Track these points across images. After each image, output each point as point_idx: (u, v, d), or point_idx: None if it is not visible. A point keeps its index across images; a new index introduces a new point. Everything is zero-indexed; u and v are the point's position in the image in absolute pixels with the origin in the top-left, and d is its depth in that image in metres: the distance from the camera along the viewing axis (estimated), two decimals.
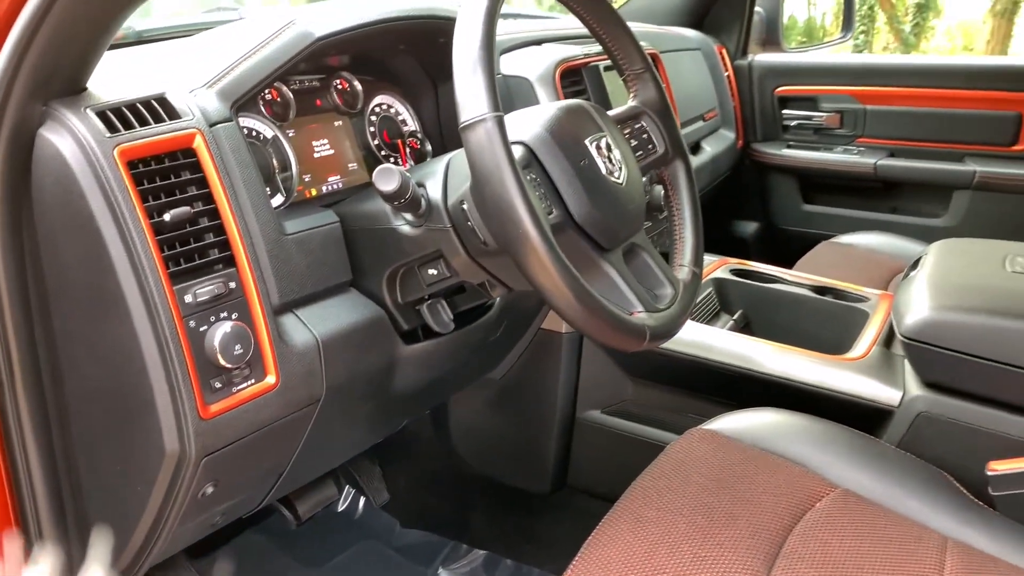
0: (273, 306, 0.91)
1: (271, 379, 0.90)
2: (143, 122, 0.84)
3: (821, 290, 1.62)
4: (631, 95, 1.13)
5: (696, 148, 2.19)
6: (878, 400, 1.30)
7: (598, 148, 0.96)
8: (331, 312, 1.00)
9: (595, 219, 0.93)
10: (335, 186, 1.17)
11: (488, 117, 0.80)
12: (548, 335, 1.46)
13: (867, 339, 1.42)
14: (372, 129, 1.24)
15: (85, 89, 0.85)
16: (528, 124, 0.93)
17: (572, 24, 1.75)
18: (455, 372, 1.31)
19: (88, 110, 0.81)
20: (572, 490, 1.56)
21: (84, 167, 0.79)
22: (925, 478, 1.18)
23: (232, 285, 0.88)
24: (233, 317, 0.87)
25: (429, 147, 1.32)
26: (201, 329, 0.84)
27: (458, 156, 1.00)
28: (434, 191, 0.97)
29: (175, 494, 0.87)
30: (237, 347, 0.85)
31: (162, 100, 0.87)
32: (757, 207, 2.63)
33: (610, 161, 0.97)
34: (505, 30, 1.56)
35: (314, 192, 1.14)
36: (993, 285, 1.30)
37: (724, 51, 2.52)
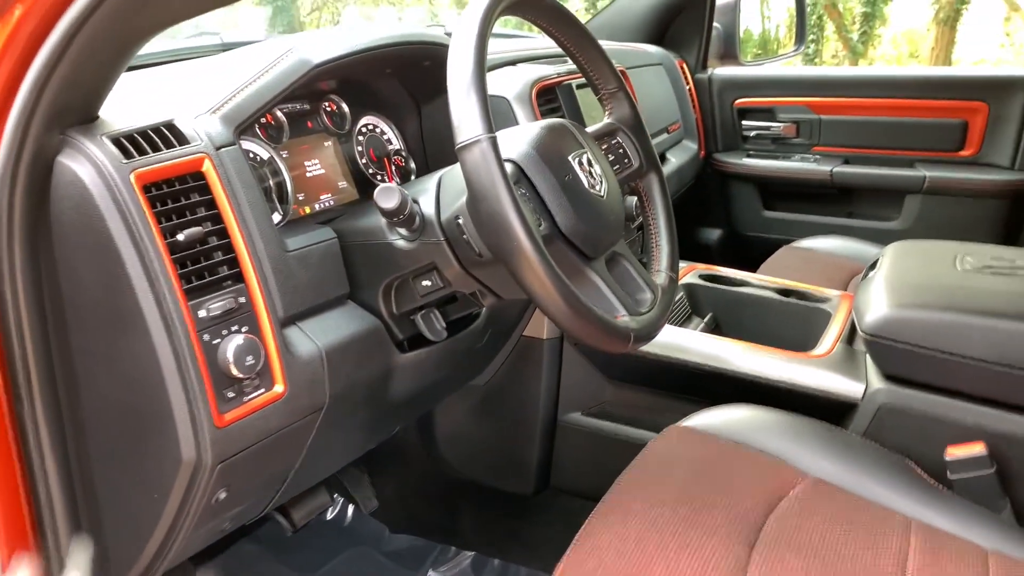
0: (279, 319, 0.96)
1: (279, 388, 0.95)
2: (155, 148, 0.89)
3: (785, 292, 1.71)
4: (606, 113, 1.21)
5: (662, 159, 2.27)
6: (843, 394, 1.38)
7: (580, 164, 1.03)
8: (331, 324, 1.05)
9: (580, 230, 0.99)
10: (327, 204, 1.22)
11: (483, 138, 0.86)
12: (529, 342, 1.53)
13: (830, 337, 1.50)
14: (360, 148, 1.30)
15: (97, 117, 0.90)
16: (516, 143, 0.99)
17: (542, 44, 1.83)
18: (445, 378, 1.36)
19: (104, 137, 0.86)
20: (555, 491, 1.62)
21: (103, 191, 0.83)
22: (888, 465, 1.26)
23: (241, 300, 0.93)
24: (243, 330, 0.92)
25: (413, 164, 1.38)
26: (214, 342, 0.89)
27: (448, 174, 1.06)
28: (427, 207, 1.04)
29: (190, 500, 0.92)
30: (249, 358, 0.90)
31: (171, 126, 0.92)
32: (720, 214, 2.73)
33: (591, 176, 1.03)
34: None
35: (308, 210, 1.19)
36: (946, 284, 1.40)
37: (685, 65, 2.61)
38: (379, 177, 1.32)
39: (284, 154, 1.17)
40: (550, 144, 1.01)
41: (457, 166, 1.06)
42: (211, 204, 0.92)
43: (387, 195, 0.97)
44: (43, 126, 0.83)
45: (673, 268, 1.16)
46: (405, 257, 1.05)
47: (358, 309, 1.10)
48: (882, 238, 2.21)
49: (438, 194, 1.04)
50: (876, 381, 1.37)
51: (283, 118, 1.17)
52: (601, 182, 1.05)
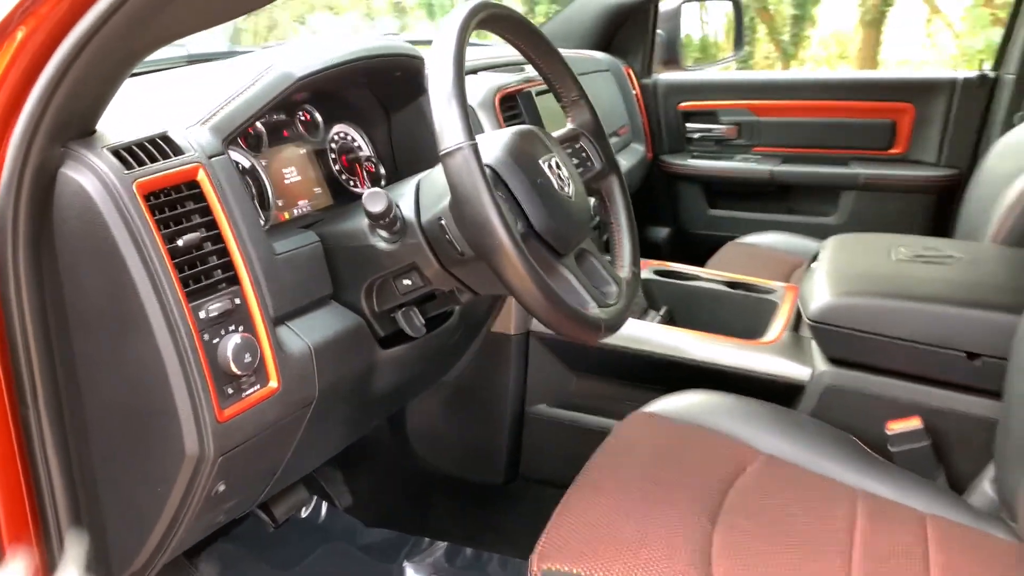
0: (271, 319, 1.02)
1: (274, 384, 1.00)
2: (152, 158, 0.94)
3: (734, 285, 1.81)
4: (568, 119, 1.28)
5: None
6: (791, 377, 1.49)
7: (550, 167, 1.10)
8: (318, 323, 1.11)
9: (552, 228, 1.07)
10: (304, 209, 1.28)
11: (465, 145, 0.93)
12: (497, 337, 1.60)
13: (778, 325, 1.61)
14: (333, 156, 1.36)
15: (95, 131, 0.94)
16: (491, 148, 1.06)
17: (496, 52, 1.90)
18: (421, 373, 1.43)
19: (105, 150, 0.91)
20: (524, 480, 1.69)
21: (107, 201, 0.88)
22: (834, 441, 1.37)
23: (237, 301, 0.98)
24: (240, 330, 0.97)
25: (383, 170, 1.44)
26: (214, 342, 0.94)
27: (427, 179, 1.13)
28: (407, 210, 1.10)
29: (192, 493, 0.97)
30: (247, 356, 0.96)
31: (165, 138, 0.97)
32: (668, 214, 2.84)
33: (560, 178, 1.11)
34: None
35: (287, 215, 1.24)
36: (882, 273, 1.51)
37: (631, 71, 2.71)
38: (352, 183, 1.38)
39: (263, 162, 1.22)
40: (522, 149, 1.08)
41: (434, 171, 1.13)
42: (205, 211, 0.97)
43: (375, 199, 1.03)
44: (46, 140, 0.87)
45: (635, 263, 1.25)
46: (387, 258, 1.12)
47: (341, 308, 1.16)
48: (820, 232, 2.35)
49: (417, 198, 1.11)
50: (821, 364, 1.48)
51: (262, 128, 1.22)
52: (569, 184, 1.13)
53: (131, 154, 0.93)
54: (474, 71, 1.67)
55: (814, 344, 1.52)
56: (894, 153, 2.57)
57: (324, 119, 1.35)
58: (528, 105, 1.63)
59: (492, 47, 2.02)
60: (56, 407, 0.95)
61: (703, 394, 1.43)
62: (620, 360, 1.59)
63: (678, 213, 2.83)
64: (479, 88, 1.54)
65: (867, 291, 1.44)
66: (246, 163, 1.18)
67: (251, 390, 0.98)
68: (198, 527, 1.06)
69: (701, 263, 2.17)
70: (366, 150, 1.42)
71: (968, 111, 2.44)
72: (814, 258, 1.67)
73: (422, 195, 1.11)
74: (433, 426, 1.69)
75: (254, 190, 1.18)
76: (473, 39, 1.72)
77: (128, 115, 1.02)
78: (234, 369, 0.94)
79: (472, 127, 0.94)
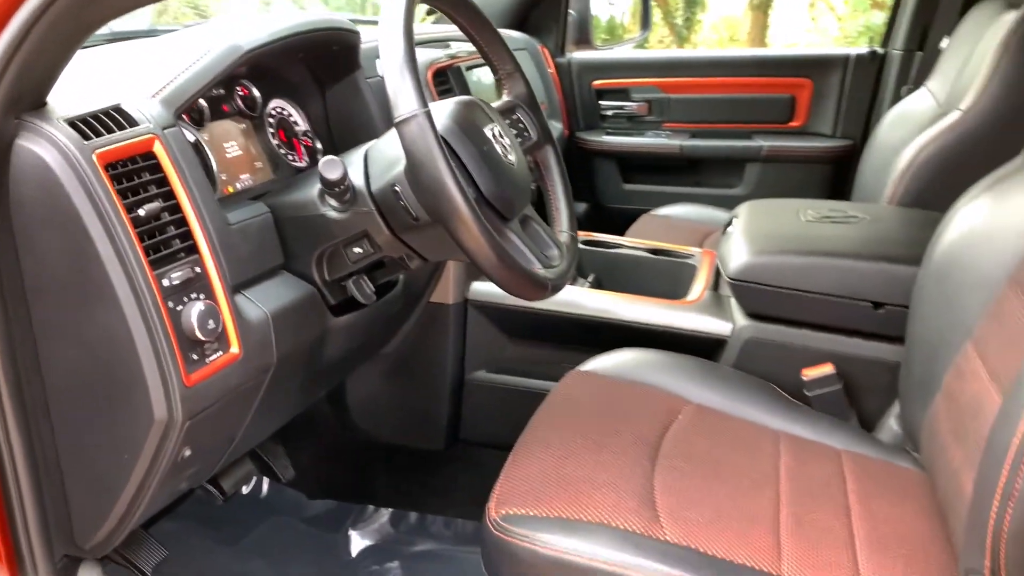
0: (230, 287, 1.04)
1: (235, 350, 1.03)
2: (108, 129, 0.95)
3: (655, 251, 1.91)
4: (504, 91, 1.34)
5: None
6: (713, 332, 1.59)
7: (494, 135, 1.16)
8: (272, 292, 1.13)
9: (499, 194, 1.12)
10: (247, 183, 1.29)
11: (419, 113, 0.97)
12: (436, 307, 1.65)
13: (699, 286, 1.71)
14: (271, 130, 1.37)
15: (47, 103, 0.94)
16: (438, 118, 1.11)
17: (431, 29, 1.94)
18: (368, 342, 1.46)
19: (61, 120, 0.91)
20: (465, 444, 1.75)
21: (67, 171, 0.89)
22: (756, 389, 1.47)
23: (197, 270, 1.00)
24: (202, 297, 0.99)
25: (319, 145, 1.46)
26: (178, 309, 0.96)
27: (374, 148, 1.16)
28: (356, 179, 1.14)
29: (160, 458, 0.99)
30: (210, 322, 0.98)
31: (119, 110, 0.98)
32: (585, 189, 2.93)
33: (504, 146, 1.17)
34: (371, 37, 1.72)
35: (231, 189, 1.26)
36: (793, 232, 1.63)
37: (546, 50, 2.78)
38: (290, 157, 1.40)
39: (206, 137, 1.23)
40: (467, 118, 1.13)
41: (382, 140, 1.17)
42: (162, 182, 0.99)
43: (332, 166, 1.06)
44: (0, 112, 0.87)
45: (572, 227, 1.32)
46: (337, 226, 1.15)
47: (293, 278, 1.19)
48: (727, 203, 2.48)
49: (366, 167, 1.14)
50: (741, 319, 1.58)
51: (203, 103, 1.23)
52: (511, 152, 1.18)
53: (87, 125, 0.93)
54: None
55: (733, 301, 1.62)
56: (794, 126, 2.73)
57: (261, 94, 1.36)
58: (459, 80, 1.67)
59: (421, 24, 2.05)
60: (14, 379, 0.95)
61: (634, 352, 1.51)
62: (554, 324, 1.66)
63: (595, 188, 2.92)
64: None
65: (781, 249, 1.56)
66: (191, 137, 1.19)
67: (214, 356, 1.00)
68: (161, 496, 1.07)
69: (618, 235, 2.26)
70: (302, 125, 1.44)
71: (860, 85, 2.62)
72: (729, 223, 1.78)
73: (371, 164, 1.14)
74: (373, 397, 1.72)
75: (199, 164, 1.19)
76: None
77: (76, 88, 1.02)
78: (199, 335, 0.96)
79: (424, 95, 0.99)
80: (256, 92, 1.36)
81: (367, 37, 1.45)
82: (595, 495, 1.12)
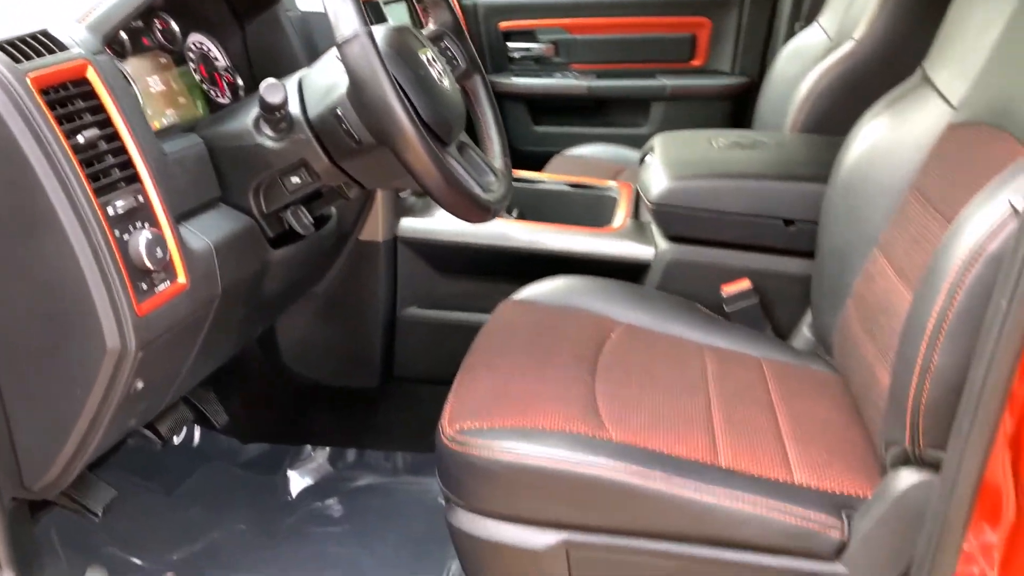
0: (174, 217, 1.03)
1: (182, 280, 1.02)
2: (38, 53, 0.92)
3: (575, 185, 1.96)
4: (431, 19, 1.35)
5: None
6: (637, 257, 1.66)
7: (428, 60, 1.17)
8: (212, 224, 1.12)
9: (437, 118, 1.14)
10: (172, 119, 1.26)
11: (362, 33, 0.98)
12: (366, 245, 1.65)
13: (621, 215, 1.78)
14: (192, 65, 1.34)
15: None
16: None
17: None
18: (304, 277, 1.46)
19: None
20: (399, 381, 1.77)
21: (1, 96, 0.86)
22: (680, 307, 1.55)
23: (140, 199, 0.98)
24: (147, 226, 0.98)
25: (240, 81, 1.44)
26: (125, 237, 0.95)
27: (308, 76, 1.16)
28: (292, 107, 1.13)
29: (113, 390, 0.97)
30: (158, 251, 0.97)
31: (47, 34, 0.95)
32: None
33: (438, 71, 1.18)
34: None
35: (157, 125, 1.23)
36: (708, 158, 1.71)
37: None
38: (213, 93, 1.37)
39: (128, 70, 1.19)
40: (402, 43, 1.14)
41: (315, 68, 1.16)
42: (97, 109, 0.96)
43: (274, 90, 1.06)
44: None
45: (506, 154, 1.35)
46: (274, 156, 1.15)
47: (231, 210, 1.18)
48: (635, 142, 2.55)
49: (301, 95, 1.14)
50: (662, 243, 1.66)
51: (124, 35, 1.19)
52: (444, 76, 1.20)
53: (16, 49, 0.90)
54: None
55: (654, 227, 1.69)
56: (695, 65, 2.82)
57: (180, 29, 1.33)
58: (378, 16, 1.66)
59: None
60: None
61: (563, 279, 1.57)
62: (484, 257, 1.69)
63: (505, 131, 2.93)
64: None
65: (698, 174, 1.63)
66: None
67: (162, 285, 0.99)
68: (112, 433, 1.06)
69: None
70: (223, 61, 1.41)
71: (756, 23, 2.72)
72: (645, 154, 1.84)
73: (306, 91, 1.14)
74: (305, 339, 1.72)
75: None
76: None
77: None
78: (147, 264, 0.95)
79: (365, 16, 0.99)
80: (175, 26, 1.32)
81: None
82: (543, 407, 1.17)
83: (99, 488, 1.17)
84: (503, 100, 2.89)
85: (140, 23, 1.25)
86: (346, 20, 0.97)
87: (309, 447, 1.79)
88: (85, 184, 0.90)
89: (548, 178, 2.00)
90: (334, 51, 1.08)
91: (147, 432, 1.41)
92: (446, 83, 1.19)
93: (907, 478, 0.99)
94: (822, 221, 1.50)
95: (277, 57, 1.43)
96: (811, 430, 1.23)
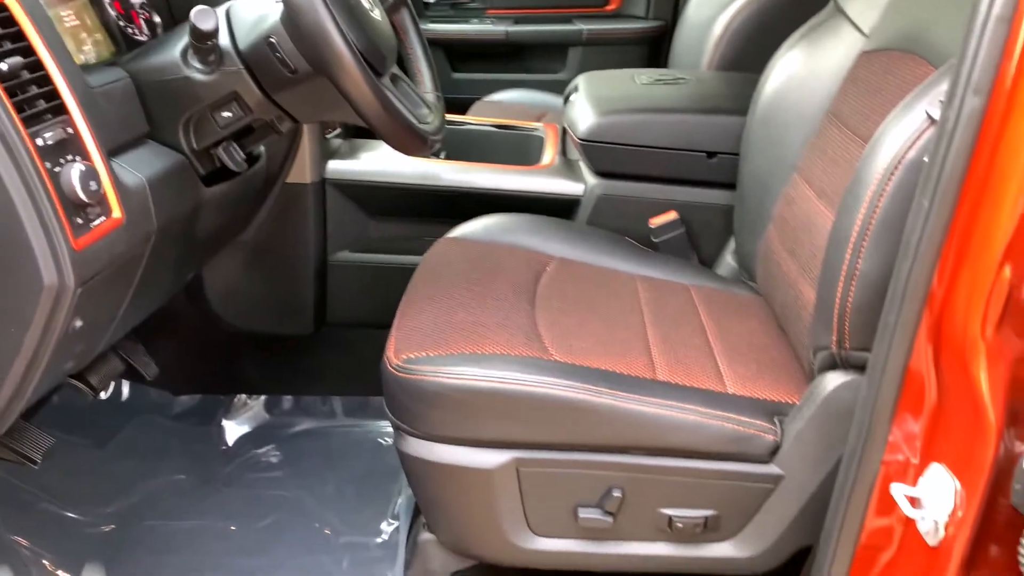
0: (106, 150, 1.00)
1: (117, 214, 0.99)
2: None
3: (501, 127, 1.97)
4: None
5: None
6: (568, 193, 1.69)
7: None
8: (143, 159, 1.09)
9: (370, 47, 1.13)
10: (89, 56, 1.21)
11: None
12: (293, 189, 1.63)
13: (549, 153, 1.80)
14: (107, 1, 1.29)
15: None
16: None
17: None
18: (235, 218, 1.43)
19: None
20: (333, 326, 1.77)
21: None
22: (610, 241, 1.59)
23: (69, 131, 0.95)
24: (79, 159, 0.95)
25: (158, 19, 1.39)
26: (56, 170, 0.92)
27: (236, 6, 1.13)
28: (222, 39, 1.10)
29: (51, 330, 0.95)
30: (92, 183, 0.94)
31: None
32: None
33: (369, 1, 1.17)
34: None
35: (77, 60, 1.18)
36: (632, 94, 1.75)
37: None
38: (130, 30, 1.32)
39: (41, 2, 1.14)
40: None
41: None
42: (18, 37, 0.92)
43: (205, 16, 1.03)
44: None
45: (437, 88, 1.34)
46: (204, 89, 1.12)
47: (160, 147, 1.15)
48: (554, 88, 2.57)
49: (230, 25, 1.11)
50: (591, 179, 1.69)
51: None
52: (375, 7, 1.19)
53: None
54: None
55: (582, 164, 1.72)
56: (610, 10, 2.85)
57: None
58: None
59: None
60: None
61: (496, 217, 1.58)
62: (415, 198, 1.69)
63: None
64: None
65: (624, 109, 1.66)
66: None
67: (98, 220, 0.97)
68: (49, 376, 1.03)
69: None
70: None
71: None
72: (568, 95, 1.87)
73: (235, 21, 1.11)
74: (234, 287, 1.69)
75: None
76: None
77: None
78: (81, 196, 0.93)
79: None
80: None
81: None
82: (487, 334, 1.19)
83: (36, 435, 1.14)
84: None
85: None
86: None
87: (244, 396, 1.77)
88: (12, 113, 0.87)
89: (474, 120, 2.00)
90: None
91: (78, 384, 1.37)
92: (376, 13, 1.18)
93: (834, 379, 1.06)
94: (743, 152, 1.56)
95: None
96: (740, 346, 1.29)
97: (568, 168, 1.74)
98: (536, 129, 1.95)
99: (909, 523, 0.90)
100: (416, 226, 1.73)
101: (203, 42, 1.06)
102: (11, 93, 0.90)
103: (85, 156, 0.96)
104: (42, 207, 0.89)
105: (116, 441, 1.64)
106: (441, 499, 1.18)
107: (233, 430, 1.71)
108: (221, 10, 1.13)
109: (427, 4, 2.85)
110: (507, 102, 2.56)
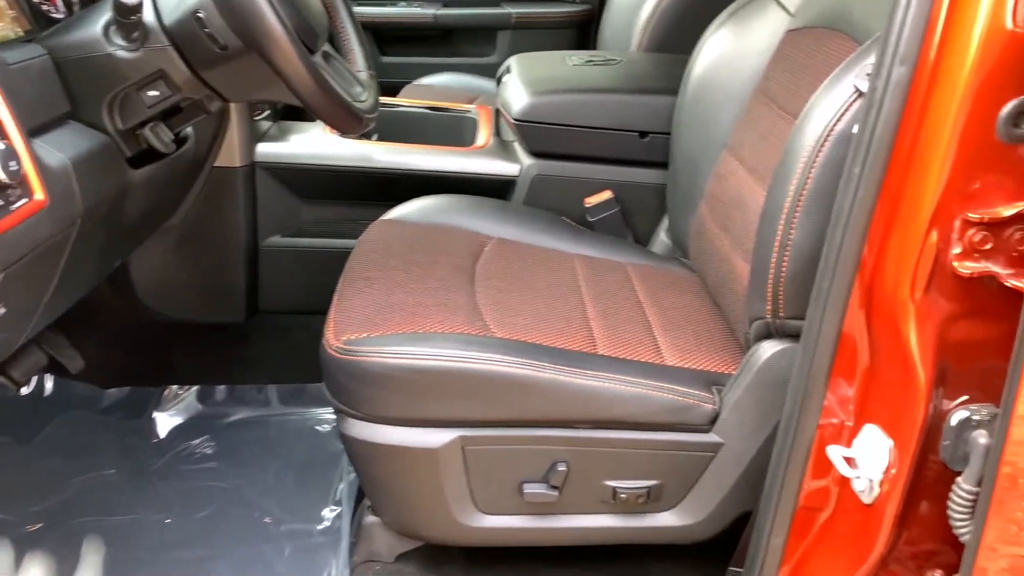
0: (25, 129, 0.95)
1: (40, 196, 0.95)
2: None
3: (434, 108, 1.96)
4: None
5: None
6: (503, 174, 1.69)
7: None
8: (66, 140, 1.05)
9: (301, 23, 1.10)
10: (5, 33, 1.16)
11: None
12: (222, 172, 1.58)
13: (483, 134, 1.79)
14: None
15: None
16: None
17: None
18: (163, 202, 1.39)
19: None
20: (266, 313, 1.73)
21: None
22: (547, 221, 1.60)
23: None
24: None
25: None
26: None
27: None
28: (146, 15, 1.07)
29: None
30: (12, 163, 0.90)
31: None
32: None
33: None
34: None
35: None
36: (565, 75, 1.76)
37: None
38: (45, 7, 1.26)
39: None
40: None
41: None
42: None
43: None
44: None
45: (370, 66, 1.33)
46: (128, 67, 1.08)
47: (83, 127, 1.10)
48: (483, 71, 2.56)
49: (155, 0, 1.07)
50: (526, 159, 1.69)
51: None
52: None
53: None
54: None
55: (517, 145, 1.72)
56: None
57: None
58: None
59: None
60: None
61: (432, 198, 1.57)
62: (348, 181, 1.67)
63: None
64: None
65: (558, 89, 1.67)
66: None
67: (20, 203, 0.92)
68: None
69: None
70: None
71: None
72: (501, 76, 1.86)
73: None
74: (162, 275, 1.64)
75: None
76: None
77: None
78: (2, 177, 0.88)
79: None
80: None
81: None
82: (428, 314, 1.19)
83: None
84: None
85: None
86: None
87: (175, 387, 1.72)
88: None
89: (406, 102, 1.98)
90: None
91: (1, 379, 1.32)
92: None
93: (769, 348, 1.09)
94: (674, 131, 1.58)
95: None
96: (676, 320, 1.32)
97: (503, 149, 1.74)
98: (469, 111, 1.94)
99: (845, 483, 0.94)
100: (350, 209, 1.71)
101: (127, 17, 1.02)
102: None
103: (3, 135, 0.92)
104: None
105: (41, 438, 1.57)
106: (386, 481, 1.18)
107: (165, 422, 1.67)
108: None
109: None
110: (437, 86, 2.54)
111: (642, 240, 1.69)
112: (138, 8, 1.01)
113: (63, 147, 1.03)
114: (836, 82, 1.00)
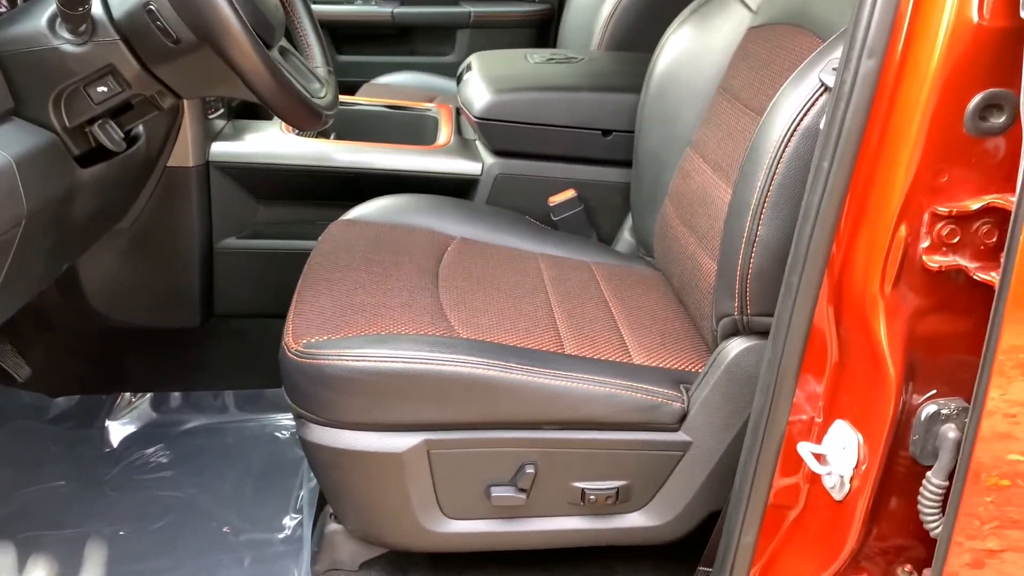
0: None
1: None
2: None
3: (393, 107, 1.93)
4: None
5: None
6: (466, 173, 1.67)
7: None
8: (8, 138, 1.00)
9: (257, 17, 1.07)
10: None
11: None
12: (175, 172, 1.53)
13: (444, 133, 1.77)
14: None
15: None
16: None
17: None
18: (113, 203, 1.34)
19: None
20: (221, 317, 1.68)
21: None
22: (510, 220, 1.58)
23: None
24: None
25: None
26: None
27: None
28: (95, 6, 1.02)
29: None
30: None
31: None
32: None
33: None
34: None
35: None
36: (526, 72, 1.74)
37: None
38: None
39: None
40: None
41: None
42: None
43: None
44: None
45: (328, 62, 1.29)
46: (76, 62, 1.04)
47: (28, 124, 1.05)
48: (442, 70, 2.54)
49: None
50: (489, 158, 1.67)
51: None
52: None
53: None
54: None
55: (479, 143, 1.70)
56: None
57: None
58: None
59: None
60: None
61: (393, 198, 1.55)
62: (306, 181, 1.63)
63: None
64: None
65: (520, 87, 1.65)
66: None
67: None
68: None
69: None
70: None
71: None
72: (461, 74, 1.84)
73: None
74: (113, 279, 1.59)
75: None
76: None
77: None
78: None
79: None
80: None
81: None
82: (391, 315, 1.16)
83: None
84: None
85: None
86: None
87: (128, 394, 1.66)
88: None
89: (365, 100, 1.95)
90: None
91: None
92: None
93: (737, 345, 1.08)
94: (637, 129, 1.57)
95: None
96: (642, 319, 1.30)
97: (465, 147, 1.71)
98: (430, 109, 1.91)
99: (815, 480, 0.93)
100: (307, 209, 1.67)
101: (73, 9, 0.98)
102: None
103: None
104: None
105: None
106: (349, 487, 1.15)
107: (117, 431, 1.61)
108: None
109: None
110: (396, 85, 2.51)
111: (606, 239, 1.68)
112: (83, 1, 0.97)
113: (6, 145, 0.98)
114: (801, 77, 1.00)
